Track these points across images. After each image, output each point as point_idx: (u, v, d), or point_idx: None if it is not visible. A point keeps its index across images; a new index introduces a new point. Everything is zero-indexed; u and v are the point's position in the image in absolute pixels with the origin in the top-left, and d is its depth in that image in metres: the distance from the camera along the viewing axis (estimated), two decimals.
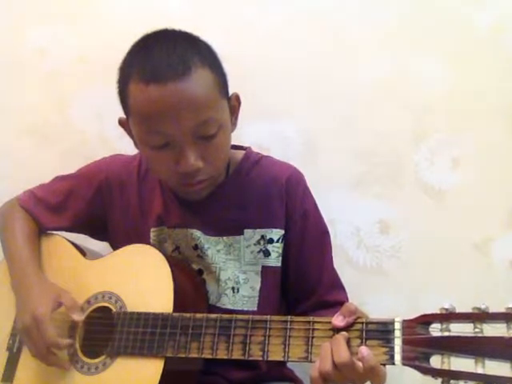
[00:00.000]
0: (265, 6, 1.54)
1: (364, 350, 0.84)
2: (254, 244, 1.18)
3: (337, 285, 1.23)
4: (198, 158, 1.04)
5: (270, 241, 1.18)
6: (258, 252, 1.18)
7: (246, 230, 1.18)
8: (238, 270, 1.18)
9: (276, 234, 1.18)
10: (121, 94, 1.09)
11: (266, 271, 1.18)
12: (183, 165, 1.04)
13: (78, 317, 1.11)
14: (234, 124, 1.15)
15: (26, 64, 1.67)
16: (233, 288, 1.17)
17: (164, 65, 1.00)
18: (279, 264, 1.19)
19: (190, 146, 1.03)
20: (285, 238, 1.19)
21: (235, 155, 1.23)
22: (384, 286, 1.44)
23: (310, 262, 1.20)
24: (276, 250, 1.18)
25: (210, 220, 1.18)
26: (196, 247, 1.18)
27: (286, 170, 1.23)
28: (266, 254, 1.18)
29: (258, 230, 1.18)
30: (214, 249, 1.18)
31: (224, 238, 1.18)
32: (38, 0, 1.66)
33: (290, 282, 1.21)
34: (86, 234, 1.35)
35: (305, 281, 1.20)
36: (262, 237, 1.18)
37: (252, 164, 1.23)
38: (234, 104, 1.14)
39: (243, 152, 1.25)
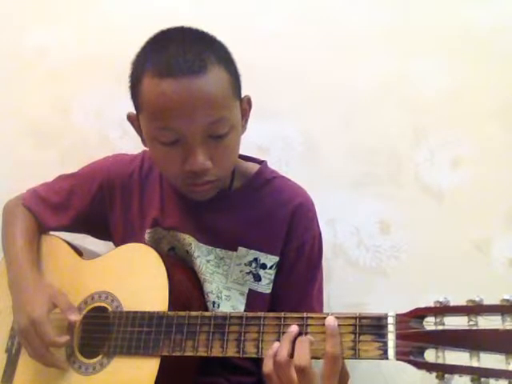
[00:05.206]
0: (265, 7, 1.54)
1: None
2: (245, 264, 1.14)
3: None
4: (206, 157, 1.02)
5: (263, 266, 1.14)
6: (248, 273, 1.15)
7: (240, 248, 1.15)
8: (223, 285, 1.14)
9: (270, 260, 1.15)
10: (133, 88, 1.06)
11: (252, 295, 1.14)
12: (191, 163, 1.02)
13: (75, 317, 1.10)
14: (243, 127, 1.13)
15: (27, 64, 1.68)
16: (213, 302, 1.13)
17: (180, 60, 0.97)
18: (269, 291, 1.15)
19: (199, 144, 1.01)
20: (277, 265, 1.15)
21: (249, 167, 1.21)
22: (384, 286, 1.43)
23: (291, 295, 1.16)
24: (268, 276, 1.15)
25: (207, 228, 1.16)
26: (187, 253, 1.16)
27: (296, 196, 1.18)
28: (257, 278, 1.14)
29: (252, 250, 1.14)
30: (204, 258, 1.15)
31: (217, 249, 1.15)
32: (38, 0, 1.67)
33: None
34: (87, 234, 1.35)
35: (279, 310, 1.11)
36: (255, 259, 1.14)
37: (264, 182, 1.20)
38: (245, 107, 1.12)
39: (258, 166, 1.22)
